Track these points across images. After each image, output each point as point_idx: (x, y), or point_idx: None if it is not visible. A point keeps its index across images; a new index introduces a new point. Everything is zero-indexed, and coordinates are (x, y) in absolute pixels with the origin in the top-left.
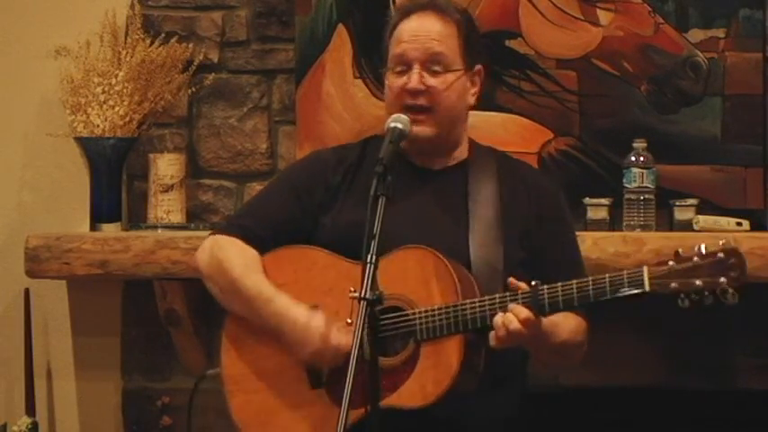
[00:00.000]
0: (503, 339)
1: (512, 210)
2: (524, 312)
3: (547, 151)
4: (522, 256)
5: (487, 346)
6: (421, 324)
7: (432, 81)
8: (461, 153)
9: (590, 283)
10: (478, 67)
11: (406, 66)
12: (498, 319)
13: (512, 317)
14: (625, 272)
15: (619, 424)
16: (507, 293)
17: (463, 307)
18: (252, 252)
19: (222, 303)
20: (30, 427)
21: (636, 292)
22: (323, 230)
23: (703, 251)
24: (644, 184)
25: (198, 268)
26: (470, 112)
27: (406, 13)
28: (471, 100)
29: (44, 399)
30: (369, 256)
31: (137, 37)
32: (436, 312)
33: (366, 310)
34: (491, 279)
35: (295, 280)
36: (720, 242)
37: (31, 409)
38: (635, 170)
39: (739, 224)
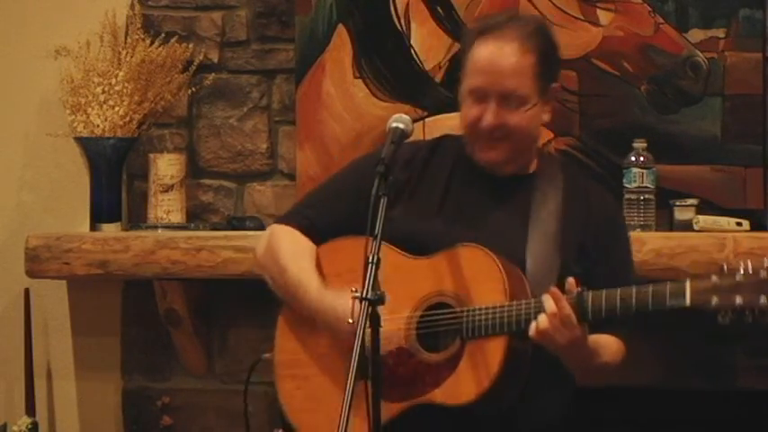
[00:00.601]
0: (542, 332)
1: (571, 226)
2: (567, 308)
3: (547, 151)
4: (577, 271)
5: (533, 352)
6: (467, 322)
7: (507, 118)
8: (531, 165)
9: (633, 293)
10: (554, 85)
11: (481, 97)
12: (541, 314)
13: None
14: (668, 283)
15: (619, 424)
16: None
17: (509, 308)
18: (305, 242)
19: (275, 291)
20: (30, 427)
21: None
22: (387, 225)
23: (748, 269)
24: (644, 184)
25: (255, 257)
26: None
27: (482, 32)
28: (546, 118)
29: (44, 399)
30: (371, 256)
31: (137, 37)
32: (482, 312)
33: (367, 309)
34: (544, 291)
35: (350, 269)
36: (766, 260)
37: (31, 409)
38: (635, 170)
39: (739, 224)
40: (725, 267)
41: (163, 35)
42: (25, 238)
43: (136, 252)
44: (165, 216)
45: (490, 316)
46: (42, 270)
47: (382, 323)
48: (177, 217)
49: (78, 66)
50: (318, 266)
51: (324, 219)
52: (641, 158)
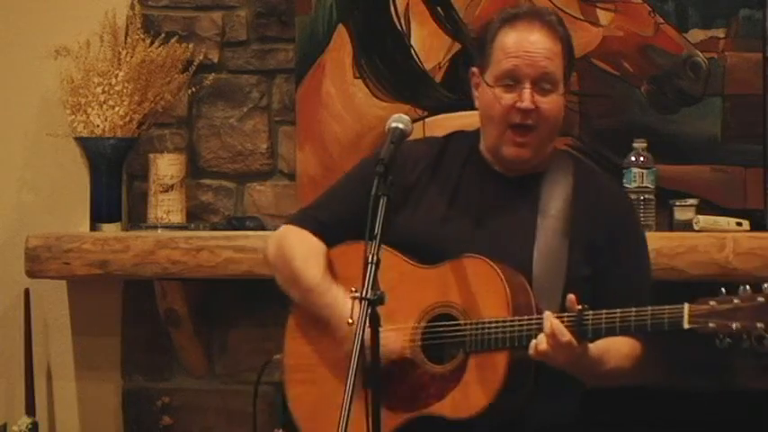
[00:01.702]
0: (540, 353)
1: (582, 225)
2: (565, 335)
3: None
4: (587, 272)
5: (537, 365)
6: (471, 335)
7: (542, 101)
8: (540, 163)
9: (632, 314)
10: (571, 77)
11: (515, 81)
12: (541, 334)
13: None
14: (666, 307)
15: (619, 424)
16: (554, 315)
17: (512, 323)
18: (317, 244)
19: (285, 292)
20: (30, 427)
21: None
22: (395, 229)
23: (746, 293)
24: (644, 184)
25: (266, 256)
26: (470, 113)
27: (510, 20)
28: (563, 113)
29: (44, 399)
30: (370, 256)
31: (137, 37)
32: (486, 326)
33: (367, 309)
34: (551, 294)
35: (359, 275)
36: (765, 285)
37: (31, 409)
38: (635, 170)
39: (739, 224)
40: (723, 291)
41: (163, 35)
42: (25, 238)
43: (136, 252)
44: (165, 216)
45: (493, 330)
46: (42, 270)
47: (387, 332)
48: (177, 217)
49: (78, 66)
50: (330, 270)
51: (336, 220)
52: (641, 158)
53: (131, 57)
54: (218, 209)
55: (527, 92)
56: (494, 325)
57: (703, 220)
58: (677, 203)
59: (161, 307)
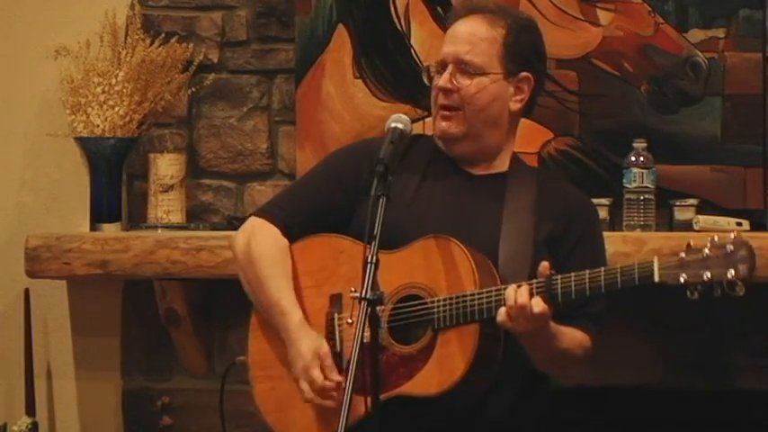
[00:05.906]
0: (509, 314)
1: (544, 221)
2: (523, 298)
3: (547, 151)
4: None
5: (506, 340)
6: (438, 312)
7: (463, 82)
8: (501, 164)
9: (602, 273)
10: (524, 74)
11: (443, 66)
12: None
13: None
14: (636, 263)
15: (619, 424)
16: (523, 282)
17: (480, 295)
18: (284, 246)
19: (246, 293)
20: (30, 427)
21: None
22: (357, 220)
23: (714, 243)
24: (644, 184)
25: (233, 250)
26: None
27: (456, 16)
28: (514, 106)
29: (44, 399)
30: (369, 257)
31: (137, 37)
32: (453, 301)
33: (366, 310)
34: (516, 281)
35: (321, 267)
36: (731, 235)
37: (31, 409)
38: (635, 170)
39: (739, 224)
40: (692, 243)
41: (163, 35)
42: (25, 238)
43: (136, 252)
44: (165, 216)
45: (461, 305)
46: (42, 270)
47: (353, 317)
48: (177, 217)
49: (78, 66)
50: (292, 264)
51: (304, 213)
52: (641, 158)
53: (131, 57)
54: (218, 209)
55: (446, 72)
56: (461, 299)
57: (703, 220)
58: (677, 203)
59: (161, 307)
